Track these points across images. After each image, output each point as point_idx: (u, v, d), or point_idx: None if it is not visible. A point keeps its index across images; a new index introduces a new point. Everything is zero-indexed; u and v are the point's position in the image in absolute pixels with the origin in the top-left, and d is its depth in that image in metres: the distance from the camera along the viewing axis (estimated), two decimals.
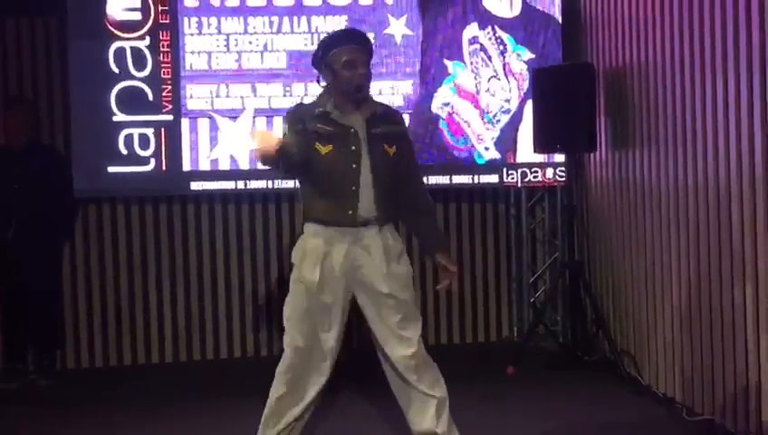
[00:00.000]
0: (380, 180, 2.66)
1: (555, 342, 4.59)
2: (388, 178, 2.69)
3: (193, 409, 3.75)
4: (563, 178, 4.60)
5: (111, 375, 4.53)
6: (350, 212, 2.63)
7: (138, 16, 4.40)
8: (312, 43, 4.50)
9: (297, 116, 2.69)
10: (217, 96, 4.45)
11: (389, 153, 2.70)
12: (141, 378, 4.43)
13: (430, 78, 4.58)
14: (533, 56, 4.60)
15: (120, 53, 4.39)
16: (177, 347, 4.71)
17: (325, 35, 2.82)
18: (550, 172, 4.65)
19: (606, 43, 4.29)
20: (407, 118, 4.55)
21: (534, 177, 4.63)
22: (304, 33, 4.51)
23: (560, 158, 4.59)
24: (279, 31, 4.48)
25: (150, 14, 4.41)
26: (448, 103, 4.60)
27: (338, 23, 4.51)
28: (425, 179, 4.44)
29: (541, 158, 4.58)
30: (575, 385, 3.94)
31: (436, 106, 4.59)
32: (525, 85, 4.60)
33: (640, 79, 3.88)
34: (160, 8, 4.42)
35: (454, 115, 4.61)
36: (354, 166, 2.64)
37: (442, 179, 4.60)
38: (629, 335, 4.07)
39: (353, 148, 2.65)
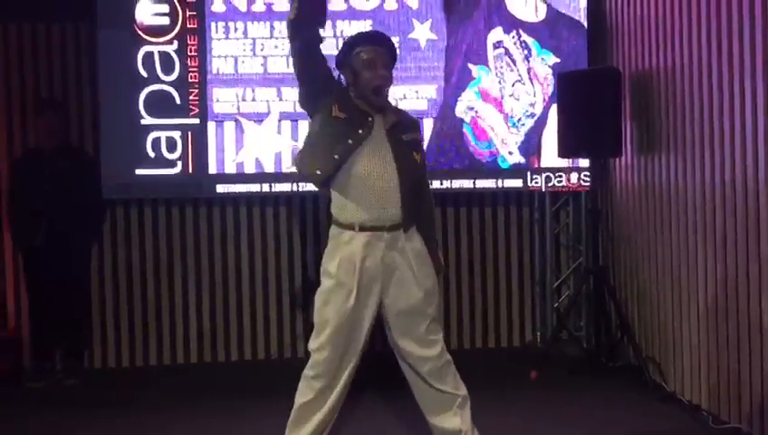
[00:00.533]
0: (407, 184, 2.64)
1: (579, 347, 4.56)
2: (416, 183, 2.69)
3: (218, 410, 3.78)
4: (588, 183, 4.58)
5: (137, 375, 4.59)
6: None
7: (166, 21, 4.47)
8: (337, 48, 4.51)
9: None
10: (243, 100, 4.50)
11: (417, 160, 2.70)
12: (167, 378, 4.48)
13: (454, 82, 4.59)
14: (558, 60, 4.59)
15: (148, 57, 4.46)
16: (202, 348, 4.76)
17: (349, 36, 2.84)
18: (574, 177, 4.62)
19: (631, 47, 4.26)
20: (430, 122, 4.63)
21: (559, 181, 4.62)
22: (329, 37, 4.54)
23: (584, 162, 4.57)
24: None
25: (178, 19, 4.48)
26: (473, 108, 4.60)
27: (362, 27, 4.53)
28: (448, 183, 4.59)
29: (565, 162, 4.56)
30: (599, 391, 3.92)
31: (460, 110, 4.60)
32: (550, 90, 4.59)
33: (666, 83, 3.85)
34: (188, 13, 4.49)
35: (478, 119, 4.61)
36: (350, 142, 2.59)
37: (466, 183, 4.60)
38: (654, 341, 4.03)
39: (360, 131, 2.62)
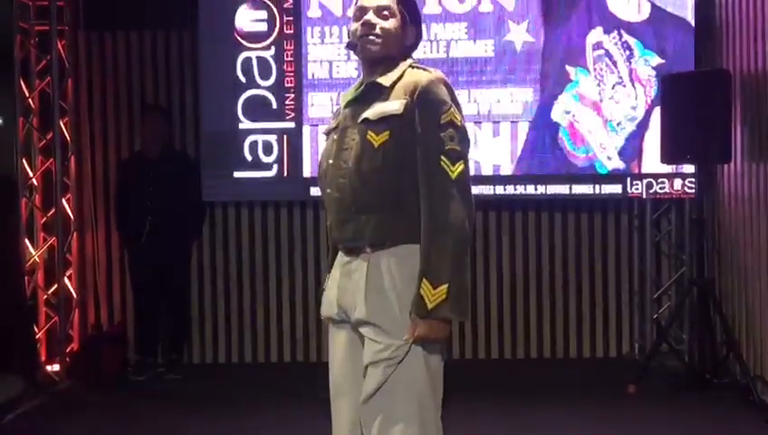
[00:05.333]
0: (357, 184, 1.94)
1: (680, 361, 4.35)
2: (373, 179, 1.93)
3: (312, 409, 3.78)
4: (693, 190, 4.36)
5: (233, 372, 4.72)
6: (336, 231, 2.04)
7: (264, 27, 4.57)
8: (432, 51, 4.52)
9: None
10: (337, 104, 4.53)
11: (373, 143, 1.93)
12: (261, 376, 4.58)
13: (551, 85, 4.47)
14: (663, 62, 4.38)
15: (247, 62, 4.58)
16: (295, 347, 4.85)
17: None
18: (678, 183, 4.42)
19: (743, 47, 4.02)
20: (525, 126, 4.52)
21: (661, 188, 4.42)
22: (423, 41, 4.47)
23: (688, 168, 4.36)
24: None
25: (276, 25, 4.57)
26: (570, 111, 4.47)
27: (457, 29, 4.49)
28: (543, 189, 4.47)
29: (668, 168, 4.36)
30: (702, 409, 3.73)
31: (556, 114, 4.47)
32: (653, 92, 4.40)
33: None
34: (285, 19, 4.57)
35: (575, 123, 4.47)
36: (330, 162, 2.02)
37: (561, 189, 4.48)
38: (764, 360, 3.80)
39: (335, 137, 2.04)
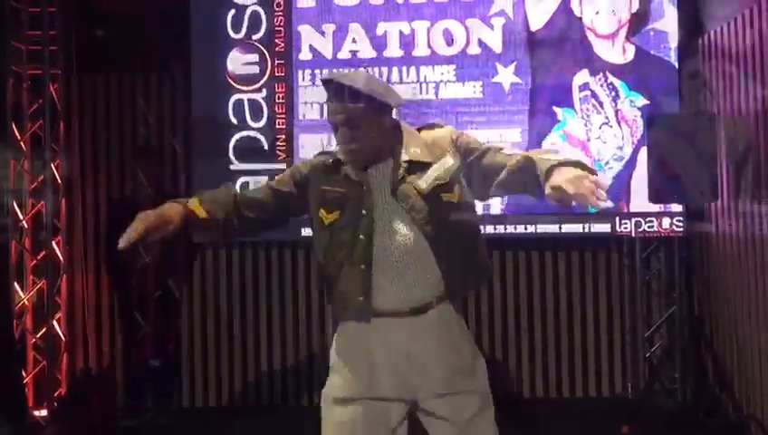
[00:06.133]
0: (437, 248, 2.05)
1: (673, 401, 4.33)
2: (449, 237, 2.06)
3: None
4: (681, 229, 4.40)
5: (223, 415, 4.66)
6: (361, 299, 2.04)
7: (256, 70, 4.62)
8: (421, 93, 4.58)
9: (305, 169, 2.18)
10: (329, 145, 4.57)
11: (452, 199, 2.08)
12: (252, 419, 4.52)
13: (539, 126, 4.53)
14: (648, 102, 4.46)
15: (238, 104, 4.62)
16: (286, 390, 4.80)
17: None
18: (666, 222, 4.45)
19: (726, 89, 4.10)
20: None
21: (649, 226, 4.45)
22: (413, 82, 4.58)
23: (676, 206, 4.40)
24: (388, 81, 4.58)
25: (267, 68, 4.62)
26: (557, 151, 4.51)
27: (446, 71, 4.56)
28: (533, 228, 4.49)
29: (656, 206, 4.40)
30: None
31: None
32: (639, 132, 4.46)
33: (766, 126, 3.68)
34: (276, 62, 4.63)
35: None
36: (362, 238, 2.04)
37: (551, 228, 4.51)
38: (757, 399, 3.79)
39: (363, 212, 2.06)
